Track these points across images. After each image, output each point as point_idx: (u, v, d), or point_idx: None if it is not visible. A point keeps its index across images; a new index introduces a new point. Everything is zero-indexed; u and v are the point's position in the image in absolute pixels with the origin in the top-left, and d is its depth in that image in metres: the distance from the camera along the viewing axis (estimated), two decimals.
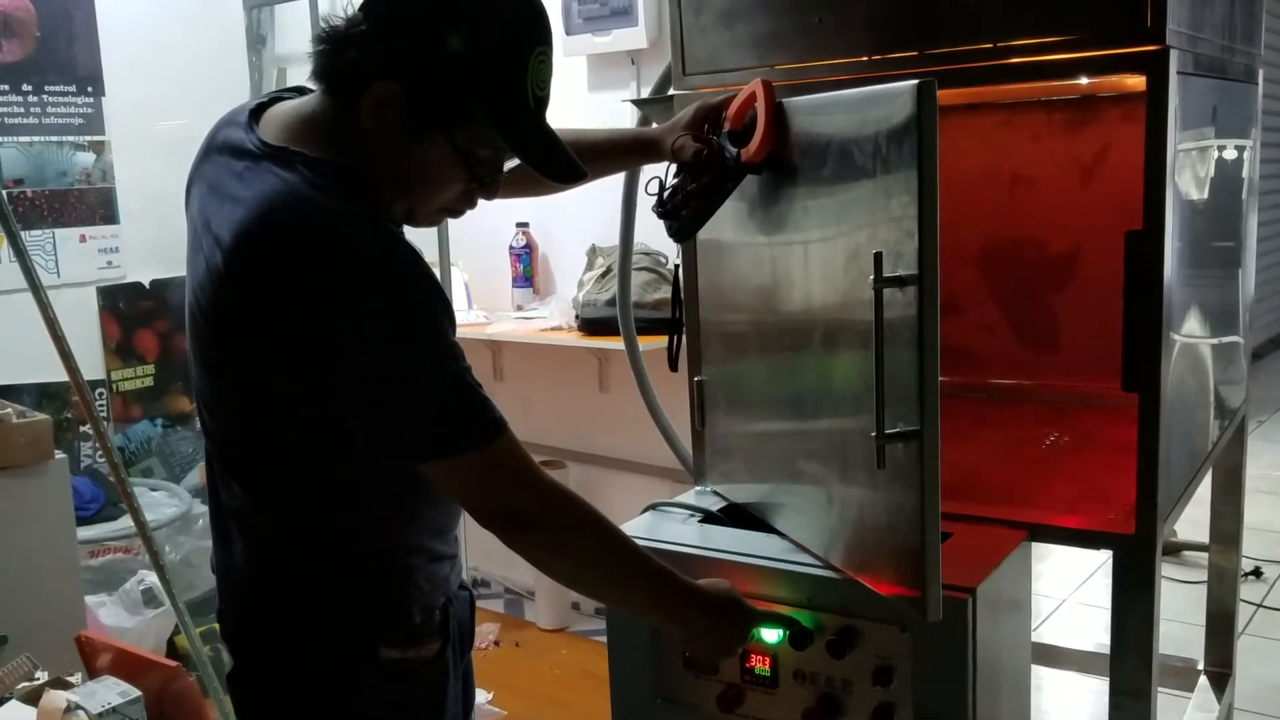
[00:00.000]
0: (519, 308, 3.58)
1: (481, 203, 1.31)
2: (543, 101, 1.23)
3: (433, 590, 1.32)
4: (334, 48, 1.19)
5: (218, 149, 1.25)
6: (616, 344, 2.48)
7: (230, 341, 1.20)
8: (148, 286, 3.66)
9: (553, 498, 1.22)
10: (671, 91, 1.71)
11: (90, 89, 3.50)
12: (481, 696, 3.02)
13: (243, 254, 1.14)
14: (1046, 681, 2.88)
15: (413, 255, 1.17)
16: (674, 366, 1.69)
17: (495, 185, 1.28)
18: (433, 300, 1.17)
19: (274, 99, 1.29)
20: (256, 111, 1.25)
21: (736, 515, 1.62)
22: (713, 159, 1.41)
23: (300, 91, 1.31)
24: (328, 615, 1.28)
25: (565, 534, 1.23)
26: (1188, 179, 1.52)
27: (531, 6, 1.21)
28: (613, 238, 2.26)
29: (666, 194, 1.46)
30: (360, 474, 1.23)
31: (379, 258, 1.14)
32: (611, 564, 1.27)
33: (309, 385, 1.16)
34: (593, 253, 3.32)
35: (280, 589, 1.29)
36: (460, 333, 1.23)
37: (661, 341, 2.70)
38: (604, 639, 1.58)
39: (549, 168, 1.25)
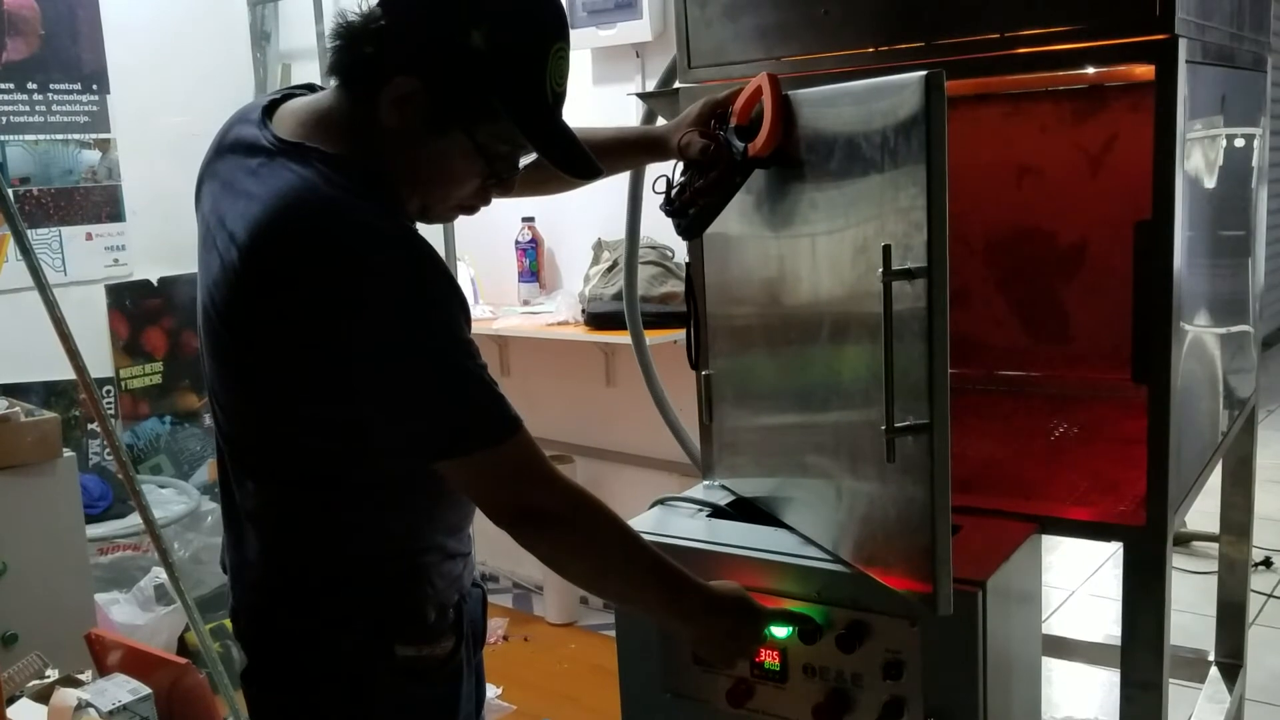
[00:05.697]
0: (525, 302, 3.58)
1: None
2: (560, 98, 1.22)
3: (447, 588, 1.32)
4: (350, 43, 1.18)
5: (229, 147, 1.25)
6: (623, 338, 2.48)
7: (246, 339, 1.19)
8: (155, 284, 3.66)
9: (568, 496, 1.22)
10: (677, 85, 1.70)
11: (95, 87, 3.50)
12: (491, 691, 3.02)
13: (258, 251, 1.13)
14: (1057, 673, 2.87)
15: (430, 252, 1.16)
16: (694, 363, 1.69)
17: (512, 182, 1.27)
18: (449, 298, 1.16)
19: (286, 95, 1.28)
20: (269, 108, 1.25)
21: (745, 510, 1.62)
22: (720, 154, 1.40)
23: (311, 89, 1.30)
24: (342, 613, 1.28)
25: (580, 533, 1.23)
26: (1197, 168, 1.51)
27: (550, 2, 1.20)
28: (618, 232, 2.25)
29: (674, 191, 1.45)
30: (376, 473, 1.23)
31: (396, 255, 1.14)
32: (625, 564, 1.26)
33: (325, 382, 1.15)
34: (599, 247, 3.31)
35: (294, 587, 1.29)
36: None
37: (668, 336, 2.71)
38: (613, 633, 1.57)
39: (568, 164, 1.24)
